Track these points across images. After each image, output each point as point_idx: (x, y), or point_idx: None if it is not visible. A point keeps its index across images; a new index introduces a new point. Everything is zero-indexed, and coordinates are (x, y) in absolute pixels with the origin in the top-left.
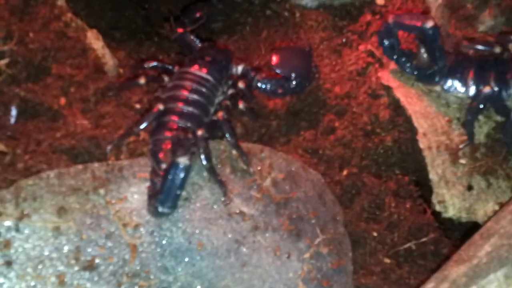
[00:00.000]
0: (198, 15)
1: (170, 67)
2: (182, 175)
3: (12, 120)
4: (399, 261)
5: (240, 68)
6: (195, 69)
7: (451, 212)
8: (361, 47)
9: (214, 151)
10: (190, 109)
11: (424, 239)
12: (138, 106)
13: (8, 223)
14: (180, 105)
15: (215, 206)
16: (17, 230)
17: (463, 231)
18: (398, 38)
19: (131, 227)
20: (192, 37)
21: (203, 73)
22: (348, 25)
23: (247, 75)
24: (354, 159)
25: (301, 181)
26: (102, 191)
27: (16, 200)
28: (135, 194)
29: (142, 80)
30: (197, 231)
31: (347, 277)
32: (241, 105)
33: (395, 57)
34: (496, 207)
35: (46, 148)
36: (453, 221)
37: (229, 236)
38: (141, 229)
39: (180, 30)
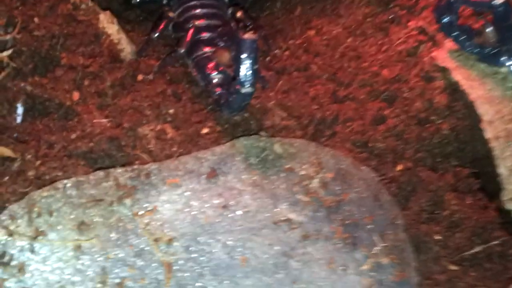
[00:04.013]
0: None
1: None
2: (254, 48)
3: (19, 119)
4: (464, 267)
5: None
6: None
7: None
8: (411, 24)
9: (252, 149)
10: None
11: (489, 240)
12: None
13: (21, 243)
14: (204, 20)
15: (258, 214)
16: (32, 251)
17: None
18: (458, 14)
19: (164, 242)
20: None
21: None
22: None
23: None
24: (407, 152)
25: (353, 180)
26: (128, 201)
27: (29, 216)
28: (166, 204)
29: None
30: (239, 244)
31: None
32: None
33: (454, 34)
34: None
35: (60, 151)
36: None
37: (276, 248)
38: (176, 244)
39: None
